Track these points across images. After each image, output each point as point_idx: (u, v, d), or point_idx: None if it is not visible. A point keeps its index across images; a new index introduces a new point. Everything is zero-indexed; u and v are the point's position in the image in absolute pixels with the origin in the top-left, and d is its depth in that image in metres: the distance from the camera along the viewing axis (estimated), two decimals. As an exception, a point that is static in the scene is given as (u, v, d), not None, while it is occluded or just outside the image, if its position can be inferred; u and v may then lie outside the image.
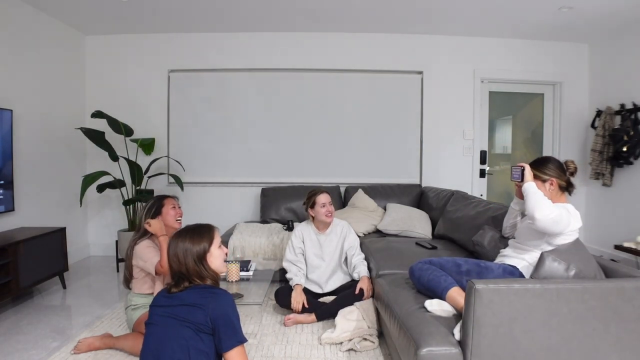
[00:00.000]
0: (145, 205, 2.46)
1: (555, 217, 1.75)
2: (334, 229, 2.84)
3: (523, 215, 2.21)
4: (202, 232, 1.51)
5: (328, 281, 2.79)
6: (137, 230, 2.43)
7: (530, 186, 1.86)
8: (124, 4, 3.56)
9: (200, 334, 1.34)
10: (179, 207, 2.51)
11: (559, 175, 1.92)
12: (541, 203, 1.78)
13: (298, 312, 2.59)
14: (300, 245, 2.81)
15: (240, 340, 1.37)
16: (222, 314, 1.37)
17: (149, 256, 2.26)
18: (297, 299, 2.58)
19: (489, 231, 2.42)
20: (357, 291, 2.54)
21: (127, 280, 2.42)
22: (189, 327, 1.34)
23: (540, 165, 1.97)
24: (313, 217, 2.81)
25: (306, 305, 2.58)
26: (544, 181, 1.92)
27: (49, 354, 2.21)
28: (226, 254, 1.58)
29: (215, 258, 1.50)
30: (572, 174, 1.95)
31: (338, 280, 2.82)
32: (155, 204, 2.42)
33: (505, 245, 2.16)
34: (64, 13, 3.73)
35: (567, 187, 1.95)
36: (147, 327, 1.43)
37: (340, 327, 2.32)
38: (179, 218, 2.47)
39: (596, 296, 1.49)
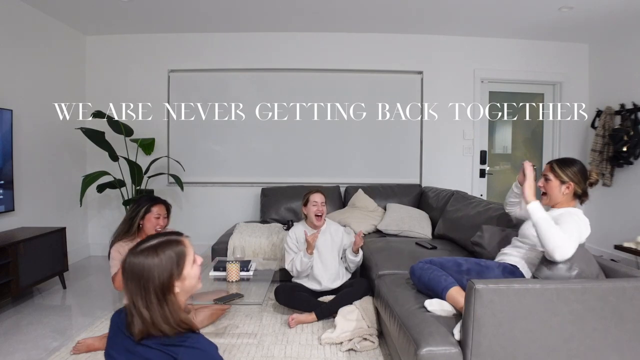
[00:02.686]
0: (133, 205, 2.39)
1: (567, 241, 1.61)
2: (328, 228, 2.86)
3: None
4: (166, 246, 1.05)
5: (331, 279, 2.78)
6: (118, 230, 2.36)
7: (535, 210, 1.69)
8: (124, 4, 3.56)
9: None
10: (165, 218, 2.44)
11: (579, 181, 1.88)
12: (550, 235, 1.61)
13: (316, 237, 2.63)
14: (295, 243, 2.81)
15: None
16: None
17: (113, 263, 2.22)
18: (311, 236, 2.60)
19: (488, 231, 2.42)
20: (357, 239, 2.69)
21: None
22: None
23: (565, 165, 1.91)
24: (306, 216, 2.84)
25: (316, 236, 2.64)
26: (562, 182, 1.89)
27: (49, 354, 2.21)
28: (200, 265, 1.15)
29: (192, 279, 1.10)
30: (592, 184, 1.90)
31: (338, 279, 2.81)
32: (145, 207, 2.36)
33: (506, 244, 2.15)
34: (64, 13, 3.73)
35: (580, 195, 1.91)
36: None
37: (340, 327, 2.32)
38: (159, 229, 2.39)
39: (596, 296, 1.49)
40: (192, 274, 1.09)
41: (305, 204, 2.81)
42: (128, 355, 1.02)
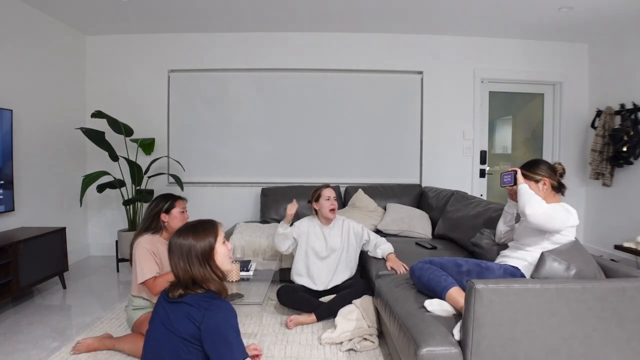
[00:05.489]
0: (154, 200, 2.39)
1: (547, 211, 1.82)
2: (336, 223, 2.90)
3: (519, 218, 2.22)
4: (205, 227, 1.40)
5: (329, 277, 2.79)
6: (141, 225, 2.37)
7: (523, 187, 1.95)
8: (124, 4, 3.56)
9: (188, 346, 1.27)
10: (186, 212, 2.47)
11: (550, 175, 1.99)
12: (531, 200, 1.86)
13: (294, 208, 2.75)
14: (297, 232, 2.84)
15: (236, 358, 1.23)
16: (214, 329, 1.24)
17: (145, 264, 2.18)
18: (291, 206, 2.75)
19: (487, 233, 2.42)
20: (389, 268, 2.61)
21: None
22: (178, 337, 1.28)
23: (532, 167, 2.04)
24: (316, 211, 2.87)
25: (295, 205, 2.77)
26: (537, 181, 1.99)
27: (49, 354, 2.21)
28: (230, 250, 1.48)
29: (220, 255, 1.41)
30: (562, 175, 2.04)
31: (340, 277, 2.82)
32: (168, 203, 2.37)
33: (506, 247, 2.16)
34: (64, 13, 3.73)
35: (559, 188, 2.01)
36: (146, 333, 1.40)
37: (341, 328, 2.32)
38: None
39: (596, 296, 1.49)
40: (222, 251, 1.41)
41: (317, 200, 2.84)
42: (163, 316, 1.33)
